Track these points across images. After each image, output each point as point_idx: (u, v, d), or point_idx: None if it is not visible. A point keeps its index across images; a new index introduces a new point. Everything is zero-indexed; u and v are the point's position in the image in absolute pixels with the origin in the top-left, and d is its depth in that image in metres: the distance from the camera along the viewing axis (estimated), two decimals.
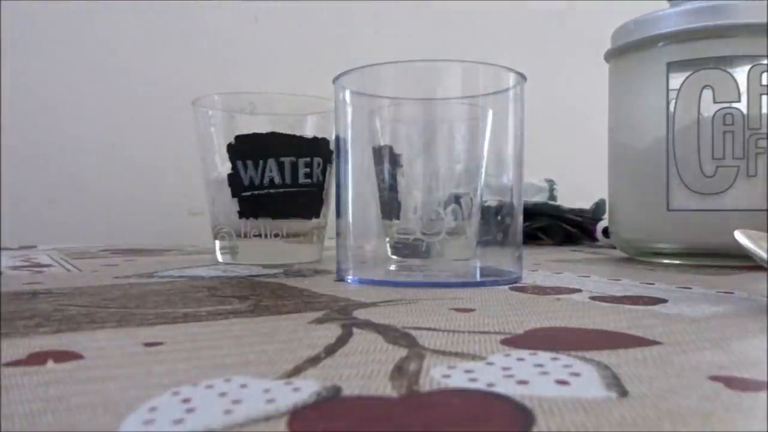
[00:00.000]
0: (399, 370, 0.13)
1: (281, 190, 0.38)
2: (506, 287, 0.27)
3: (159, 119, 0.74)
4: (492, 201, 0.30)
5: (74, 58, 0.72)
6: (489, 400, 0.11)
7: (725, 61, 0.37)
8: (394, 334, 0.17)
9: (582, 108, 0.89)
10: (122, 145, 0.74)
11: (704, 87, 0.37)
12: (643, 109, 0.40)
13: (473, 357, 0.15)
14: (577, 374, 0.13)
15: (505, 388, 0.12)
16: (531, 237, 0.60)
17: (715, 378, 0.13)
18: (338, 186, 0.30)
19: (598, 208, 0.62)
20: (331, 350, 0.15)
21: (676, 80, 0.38)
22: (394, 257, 0.32)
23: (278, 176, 0.38)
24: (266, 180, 0.37)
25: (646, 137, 0.40)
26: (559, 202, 0.66)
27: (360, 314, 0.20)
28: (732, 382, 0.13)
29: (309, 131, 0.39)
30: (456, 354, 0.15)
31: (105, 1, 0.73)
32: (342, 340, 0.16)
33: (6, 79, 0.69)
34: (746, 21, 0.37)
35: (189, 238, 0.65)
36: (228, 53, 0.78)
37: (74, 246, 0.58)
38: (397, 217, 0.31)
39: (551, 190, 0.72)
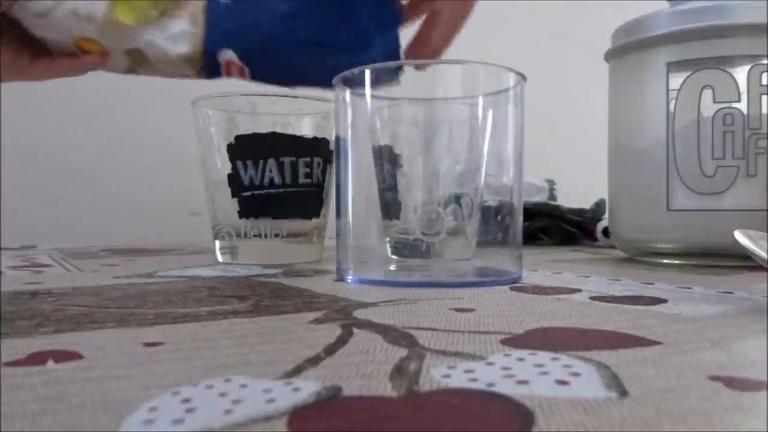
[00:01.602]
0: (399, 370, 0.13)
1: (281, 190, 0.38)
2: (506, 287, 0.27)
3: (159, 119, 0.74)
4: (492, 201, 0.30)
5: None
6: (489, 400, 0.11)
7: (725, 61, 0.37)
8: (394, 334, 0.17)
9: (582, 108, 0.89)
10: (122, 145, 0.74)
11: (704, 87, 0.37)
12: (643, 109, 0.40)
13: (473, 357, 0.15)
14: (577, 374, 0.13)
15: (505, 388, 0.12)
16: (531, 237, 0.60)
17: (715, 378, 0.13)
18: (338, 186, 0.30)
19: (598, 208, 0.62)
20: (331, 350, 0.15)
21: (676, 80, 0.38)
22: (394, 257, 0.32)
23: (278, 176, 0.38)
24: (266, 180, 0.37)
25: (646, 137, 0.40)
26: (559, 202, 0.66)
27: (360, 314, 0.20)
28: (732, 382, 0.13)
29: (309, 131, 0.39)
30: (456, 354, 0.15)
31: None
32: (342, 340, 0.16)
33: None
34: (746, 21, 0.37)
35: (189, 238, 0.65)
36: None
37: (74, 246, 0.58)
38: (397, 217, 0.31)
39: (551, 190, 0.72)
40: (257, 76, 0.41)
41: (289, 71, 0.40)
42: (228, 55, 0.39)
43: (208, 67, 0.40)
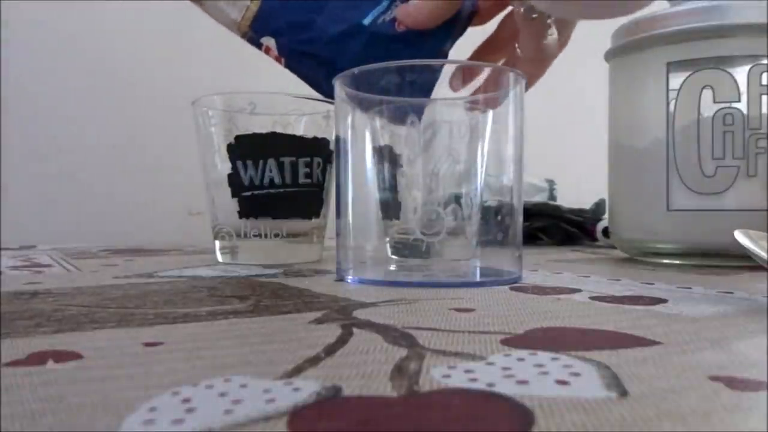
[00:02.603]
0: (399, 370, 0.13)
1: (281, 190, 0.38)
2: (506, 287, 0.27)
3: (159, 119, 0.74)
4: (492, 201, 0.30)
5: (74, 57, 0.72)
6: (489, 400, 0.11)
7: (725, 61, 0.37)
8: (394, 334, 0.17)
9: (582, 108, 0.89)
10: (122, 145, 0.74)
11: (704, 87, 0.37)
12: (643, 109, 0.40)
13: (473, 357, 0.15)
14: (577, 374, 0.13)
15: (505, 388, 0.12)
16: (531, 237, 0.60)
17: (715, 378, 0.13)
18: (338, 186, 0.30)
19: (598, 208, 0.62)
20: (331, 350, 0.15)
21: (676, 80, 0.38)
22: (394, 257, 0.32)
23: (278, 176, 0.38)
24: (266, 180, 0.37)
25: (646, 137, 0.40)
26: (559, 202, 0.66)
27: (360, 314, 0.20)
28: (732, 382, 0.13)
29: (309, 131, 0.39)
30: (456, 354, 0.15)
31: (105, 1, 0.73)
32: (342, 340, 0.16)
33: (6, 79, 0.69)
34: (746, 21, 0.37)
35: (189, 238, 0.65)
36: (228, 53, 0.78)
37: (74, 246, 0.58)
38: (397, 217, 0.31)
39: (551, 190, 0.72)
40: (290, 69, 0.41)
41: (318, 83, 0.40)
42: (269, 42, 0.40)
43: (251, 39, 0.41)
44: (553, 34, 0.35)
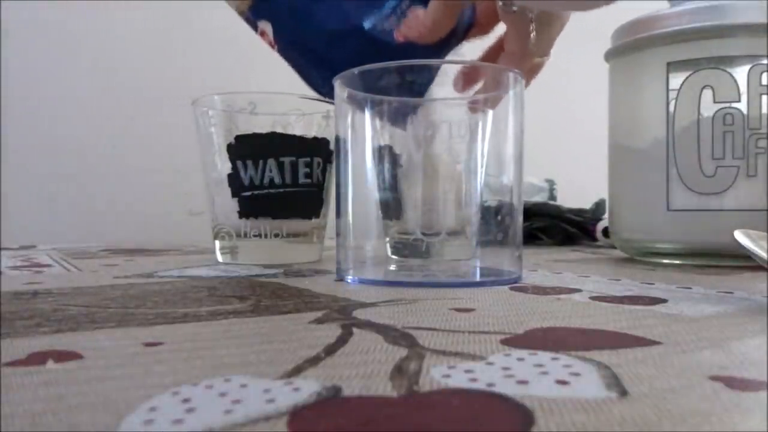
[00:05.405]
0: (399, 370, 0.13)
1: (281, 190, 0.38)
2: (506, 287, 0.27)
3: (159, 119, 0.74)
4: (492, 201, 0.30)
5: (74, 58, 0.73)
6: (489, 400, 0.11)
7: (725, 61, 0.37)
8: (394, 334, 0.17)
9: (582, 108, 0.89)
10: (122, 145, 0.74)
11: (704, 87, 0.37)
12: (643, 109, 0.40)
13: (473, 357, 0.15)
14: (577, 374, 0.13)
15: (505, 388, 0.12)
16: (531, 237, 0.60)
17: (715, 378, 0.13)
18: (338, 186, 0.30)
19: (598, 208, 0.62)
20: (331, 350, 0.15)
21: (676, 80, 0.38)
22: (394, 257, 0.32)
23: (278, 176, 0.38)
24: (266, 180, 0.37)
25: (646, 137, 0.40)
26: (559, 202, 0.66)
27: (360, 314, 0.20)
28: (732, 382, 0.13)
29: (309, 131, 0.39)
30: (456, 354, 0.15)
31: (105, 1, 0.73)
32: (342, 340, 0.16)
33: (6, 79, 0.69)
34: (746, 21, 0.37)
35: (189, 238, 0.65)
36: (228, 53, 0.78)
37: (74, 246, 0.58)
38: (397, 217, 0.31)
39: (551, 190, 0.72)
40: (282, 55, 0.41)
41: (308, 75, 0.40)
42: (266, 27, 0.40)
43: (248, 20, 0.41)
44: (532, 31, 0.35)
